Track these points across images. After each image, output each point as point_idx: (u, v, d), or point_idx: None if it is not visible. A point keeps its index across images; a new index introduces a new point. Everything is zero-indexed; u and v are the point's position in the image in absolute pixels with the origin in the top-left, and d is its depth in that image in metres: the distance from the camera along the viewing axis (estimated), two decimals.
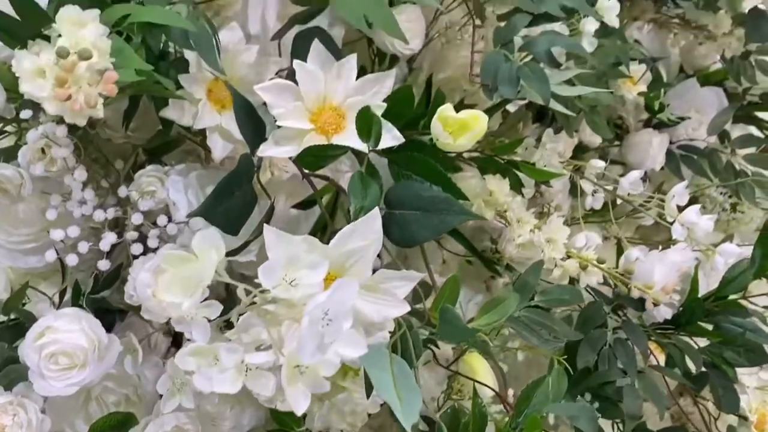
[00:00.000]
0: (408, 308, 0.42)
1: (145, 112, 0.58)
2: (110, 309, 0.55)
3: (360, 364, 0.43)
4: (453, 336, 0.44)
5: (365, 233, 0.41)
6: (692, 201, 0.94)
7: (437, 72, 0.79)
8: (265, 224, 0.38)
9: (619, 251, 0.75)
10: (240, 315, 0.39)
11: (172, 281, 0.35)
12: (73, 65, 0.36)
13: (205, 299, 0.37)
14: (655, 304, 0.59)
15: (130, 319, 0.61)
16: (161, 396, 0.56)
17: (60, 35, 0.42)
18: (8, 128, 0.57)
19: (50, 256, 0.50)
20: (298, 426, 0.64)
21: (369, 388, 0.49)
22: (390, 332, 0.43)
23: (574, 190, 0.78)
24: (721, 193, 0.91)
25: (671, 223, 0.59)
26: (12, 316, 0.55)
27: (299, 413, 0.35)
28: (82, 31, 0.40)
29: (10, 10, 0.43)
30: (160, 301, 0.42)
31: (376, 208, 0.41)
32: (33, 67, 0.38)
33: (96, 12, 0.44)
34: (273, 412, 0.64)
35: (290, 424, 0.64)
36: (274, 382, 0.35)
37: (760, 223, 0.92)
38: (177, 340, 0.64)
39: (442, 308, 0.43)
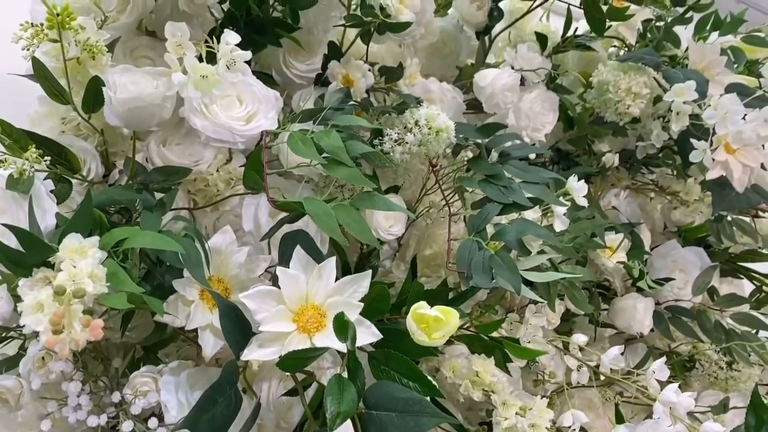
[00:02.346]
0: None
1: (142, 314, 0.62)
2: None
3: None
4: None
5: None
6: (690, 360, 0.95)
7: (423, 249, 0.83)
8: None
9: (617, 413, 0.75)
10: None
11: None
12: (69, 301, 0.39)
13: None
14: None
15: None
16: None
17: (60, 267, 0.46)
18: (12, 334, 0.61)
19: None
20: None
21: None
22: None
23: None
24: (716, 351, 0.91)
25: (653, 400, 0.59)
26: None
27: None
28: (80, 262, 0.45)
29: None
30: None
31: (348, 422, 0.43)
32: (33, 302, 0.43)
33: (96, 239, 0.49)
34: None
35: None
36: None
37: (758, 379, 0.91)
38: None
39: None
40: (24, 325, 0.47)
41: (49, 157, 0.55)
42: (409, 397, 0.48)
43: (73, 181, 0.61)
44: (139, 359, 0.63)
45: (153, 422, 0.53)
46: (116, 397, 0.54)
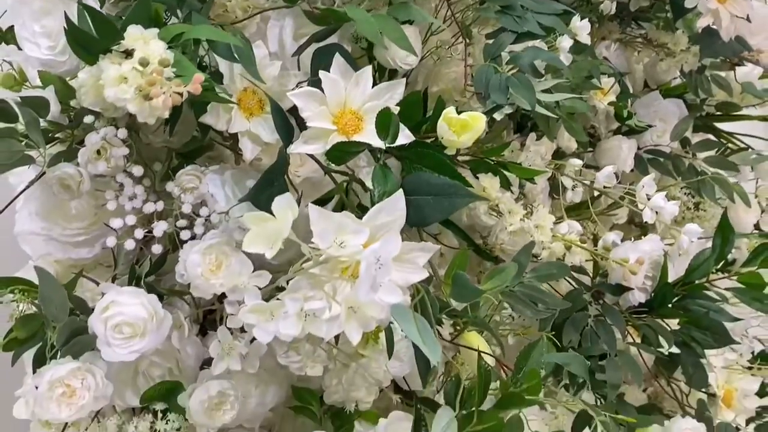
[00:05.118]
0: (426, 274, 0.50)
1: (182, 120, 0.66)
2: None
3: (385, 324, 0.51)
4: (464, 296, 0.52)
5: (390, 210, 0.49)
6: None
7: (431, 86, 0.88)
8: (310, 203, 0.46)
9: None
10: (288, 281, 0.47)
11: (256, 236, 0.43)
12: (161, 70, 0.43)
13: None
14: (633, 273, 0.68)
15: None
16: (201, 368, 0.63)
17: (126, 51, 0.50)
18: (59, 135, 0.64)
19: (110, 242, 0.57)
20: (316, 402, 0.71)
21: (390, 348, 0.57)
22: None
23: (554, 191, 0.88)
24: (685, 193, 1.00)
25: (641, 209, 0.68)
26: None
27: (354, 343, 0.43)
28: (150, 45, 0.48)
29: None
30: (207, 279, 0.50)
31: (401, 190, 0.49)
32: (116, 75, 0.46)
33: (155, 31, 0.52)
34: (294, 390, 0.71)
35: (310, 400, 0.71)
36: (325, 324, 0.42)
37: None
38: (204, 328, 0.71)
39: (455, 274, 0.51)
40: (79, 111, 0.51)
41: None
42: (444, 182, 0.54)
43: None
44: (175, 168, 0.67)
45: (204, 210, 0.59)
46: (170, 187, 0.59)
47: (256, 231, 0.44)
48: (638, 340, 0.85)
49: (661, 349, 0.84)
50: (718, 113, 1.10)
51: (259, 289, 0.49)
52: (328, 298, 0.42)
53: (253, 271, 0.53)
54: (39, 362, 0.55)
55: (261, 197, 0.53)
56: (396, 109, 0.58)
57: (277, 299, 0.46)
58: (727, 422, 0.80)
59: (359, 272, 0.39)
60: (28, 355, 0.62)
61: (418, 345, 0.44)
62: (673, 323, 0.86)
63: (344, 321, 0.41)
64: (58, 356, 0.54)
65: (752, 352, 1.00)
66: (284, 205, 0.44)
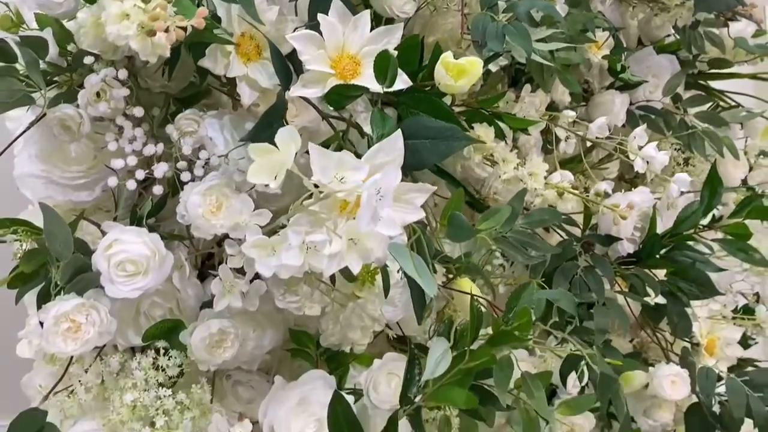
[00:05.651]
0: (423, 214, 0.51)
1: (180, 65, 0.66)
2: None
3: (383, 262, 0.52)
4: (460, 236, 0.54)
5: (389, 150, 0.50)
6: None
7: (427, 36, 0.88)
8: (309, 142, 0.47)
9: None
10: (289, 219, 0.48)
11: (260, 168, 0.44)
12: (164, 5, 0.44)
13: None
14: (623, 218, 0.70)
15: None
16: (201, 308, 0.65)
17: None
18: (57, 78, 0.64)
19: (112, 181, 0.58)
20: (313, 345, 0.73)
21: (387, 288, 0.58)
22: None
23: (546, 147, 0.89)
24: (675, 149, 1.02)
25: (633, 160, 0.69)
26: None
27: (356, 273, 0.44)
28: None
29: None
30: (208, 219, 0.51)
31: (399, 130, 0.50)
32: (118, 11, 0.46)
33: None
34: (291, 333, 0.73)
35: (307, 342, 0.73)
36: (326, 258, 0.44)
37: None
38: (202, 274, 0.72)
39: (451, 214, 0.52)
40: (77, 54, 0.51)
41: None
42: (441, 126, 0.55)
43: None
44: (173, 114, 0.68)
45: (204, 154, 0.60)
46: (169, 129, 0.60)
47: (260, 162, 0.45)
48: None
49: (647, 299, 0.86)
50: (710, 71, 1.11)
51: (260, 227, 0.51)
52: (329, 232, 0.43)
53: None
54: (44, 300, 0.57)
55: (260, 139, 0.54)
56: (394, 53, 0.59)
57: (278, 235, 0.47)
58: (709, 366, 0.83)
59: (360, 202, 0.40)
60: (30, 297, 0.63)
61: (415, 278, 0.45)
62: (661, 274, 0.88)
63: (345, 252, 0.43)
64: (62, 294, 0.56)
65: (735, 307, 1.03)
66: (287, 136, 0.45)
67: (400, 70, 0.59)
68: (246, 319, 0.67)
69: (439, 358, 0.51)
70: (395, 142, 0.49)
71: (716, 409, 0.88)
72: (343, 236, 0.43)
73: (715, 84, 1.13)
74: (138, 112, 0.57)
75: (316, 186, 0.44)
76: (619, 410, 0.72)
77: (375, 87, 0.57)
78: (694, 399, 0.88)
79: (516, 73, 0.93)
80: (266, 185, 0.45)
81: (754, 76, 1.14)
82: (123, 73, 0.56)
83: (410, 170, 0.57)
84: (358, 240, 0.43)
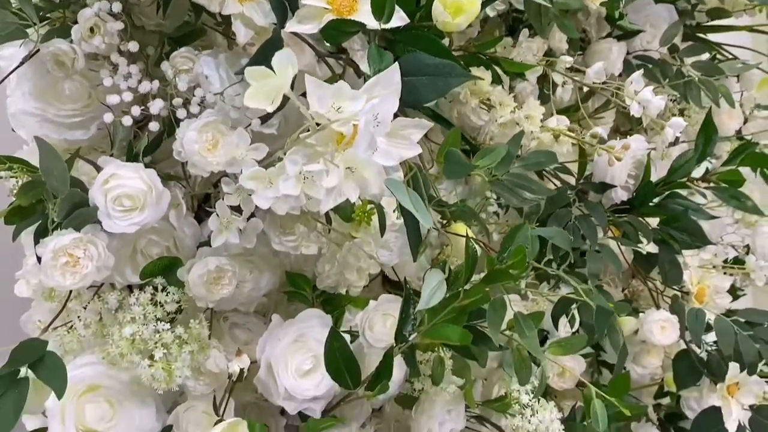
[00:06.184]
0: (420, 150, 0.51)
1: (174, 3, 0.65)
2: None
3: (379, 198, 0.52)
4: (457, 172, 0.54)
5: (386, 84, 0.49)
6: None
7: None
8: (306, 74, 0.47)
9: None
10: (286, 152, 0.48)
11: (257, 92, 0.44)
12: None
13: None
14: (618, 159, 0.70)
15: None
16: (198, 247, 0.65)
17: None
18: (50, 15, 0.64)
19: (108, 117, 0.58)
20: (309, 287, 0.74)
21: (383, 226, 0.59)
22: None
23: (543, 96, 0.89)
24: (671, 100, 1.02)
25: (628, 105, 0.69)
26: None
27: (353, 200, 0.45)
28: None
29: None
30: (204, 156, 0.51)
31: (396, 64, 0.50)
32: None
33: None
34: (288, 276, 0.74)
35: (303, 285, 0.74)
36: (324, 189, 0.44)
37: None
38: (198, 216, 0.72)
39: (448, 151, 0.52)
40: None
41: None
42: (439, 62, 0.55)
43: None
44: (168, 53, 0.67)
45: (200, 91, 0.59)
46: (165, 66, 0.59)
47: (257, 86, 0.45)
48: None
49: (639, 246, 0.87)
50: (708, 22, 1.10)
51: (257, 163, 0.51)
52: (326, 163, 0.43)
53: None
54: (41, 236, 0.57)
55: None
56: None
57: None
58: (698, 308, 0.84)
59: (358, 128, 0.40)
60: (26, 236, 0.63)
61: (411, 211, 0.46)
62: (654, 223, 0.89)
63: (342, 181, 0.43)
64: (60, 230, 0.56)
65: (726, 259, 1.05)
66: (284, 60, 0.44)
67: (397, 7, 0.58)
68: (243, 261, 0.67)
69: (434, 289, 0.51)
70: (392, 75, 0.49)
71: (704, 356, 0.90)
72: (340, 165, 0.43)
73: (712, 37, 1.13)
74: (133, 46, 0.57)
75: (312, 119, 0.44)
76: (615, 343, 0.73)
77: (372, 23, 0.56)
78: (683, 346, 0.90)
79: (513, 22, 0.93)
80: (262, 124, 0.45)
81: (751, 29, 1.13)
82: (117, 6, 0.55)
83: (407, 107, 0.57)
84: (355, 169, 0.43)
